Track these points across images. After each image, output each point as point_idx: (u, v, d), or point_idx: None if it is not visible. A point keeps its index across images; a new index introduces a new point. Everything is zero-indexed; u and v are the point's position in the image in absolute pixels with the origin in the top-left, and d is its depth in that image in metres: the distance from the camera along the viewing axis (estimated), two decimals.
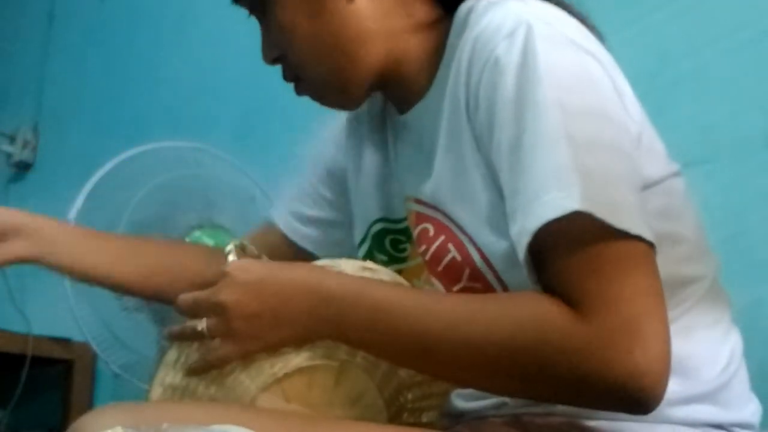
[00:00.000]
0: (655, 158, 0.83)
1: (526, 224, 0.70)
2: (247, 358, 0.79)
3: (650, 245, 0.70)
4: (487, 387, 0.78)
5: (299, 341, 0.79)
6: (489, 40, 0.78)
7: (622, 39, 1.45)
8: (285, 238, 1.09)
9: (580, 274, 0.69)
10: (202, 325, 0.78)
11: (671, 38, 1.42)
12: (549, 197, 0.69)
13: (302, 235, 1.09)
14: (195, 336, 0.78)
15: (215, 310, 0.78)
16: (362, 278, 0.81)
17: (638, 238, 0.69)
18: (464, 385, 0.81)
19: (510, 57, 0.75)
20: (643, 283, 0.69)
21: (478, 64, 0.79)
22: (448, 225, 0.86)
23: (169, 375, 0.80)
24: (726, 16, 1.36)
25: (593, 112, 0.74)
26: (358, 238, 1.00)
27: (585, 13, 0.87)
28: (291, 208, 1.11)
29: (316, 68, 0.88)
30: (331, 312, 0.77)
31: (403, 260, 0.93)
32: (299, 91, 0.92)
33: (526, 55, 0.75)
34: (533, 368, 0.70)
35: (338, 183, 1.06)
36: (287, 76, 0.91)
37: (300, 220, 1.09)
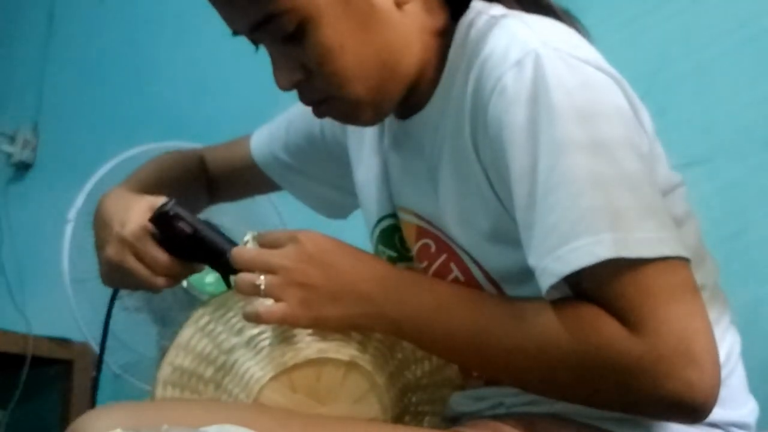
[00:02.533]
0: (660, 169, 0.83)
1: (554, 267, 0.71)
2: (293, 324, 0.78)
3: (686, 260, 0.72)
4: (542, 392, 0.78)
5: (346, 325, 0.79)
6: (495, 68, 0.76)
7: (622, 39, 1.46)
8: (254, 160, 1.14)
9: (627, 297, 0.70)
10: (260, 280, 0.77)
11: (671, 38, 1.42)
12: (579, 243, 0.69)
13: (281, 160, 1.11)
14: (250, 289, 0.78)
15: (276, 271, 0.77)
16: (426, 276, 0.83)
17: (676, 258, 0.70)
18: (520, 387, 0.81)
19: (519, 88, 0.73)
20: (689, 301, 0.70)
21: (483, 92, 0.77)
22: (449, 243, 0.86)
23: (180, 356, 0.80)
24: (726, 15, 1.36)
25: (611, 141, 0.73)
26: (368, 230, 1.00)
27: (580, 18, 0.86)
28: (277, 134, 1.12)
29: (358, 85, 0.81)
30: (391, 304, 0.78)
31: (411, 259, 0.93)
32: (323, 112, 0.86)
33: (537, 86, 0.73)
34: (583, 379, 0.71)
35: (323, 144, 1.08)
36: (310, 98, 0.85)
37: (286, 149, 1.11)
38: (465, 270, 0.85)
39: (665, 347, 0.67)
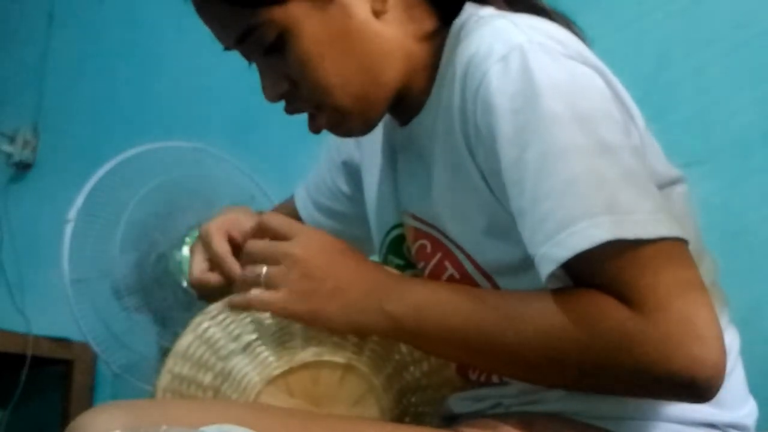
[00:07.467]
0: (654, 162, 0.83)
1: (553, 253, 0.70)
2: (289, 315, 0.78)
3: (684, 241, 0.72)
4: (550, 384, 0.78)
5: (343, 322, 0.79)
6: (480, 64, 0.76)
7: (622, 39, 1.46)
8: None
9: (628, 277, 0.70)
10: (262, 271, 0.78)
11: (671, 38, 1.42)
12: (577, 227, 0.70)
13: (322, 226, 1.08)
14: (252, 282, 0.79)
15: (283, 259, 0.78)
16: (425, 278, 0.83)
17: (673, 239, 0.71)
18: (526, 381, 0.80)
19: (506, 82, 0.74)
20: (688, 277, 0.70)
21: (470, 88, 0.77)
22: (444, 242, 0.86)
23: (178, 364, 0.80)
24: (725, 16, 1.37)
25: (601, 127, 0.73)
26: (376, 243, 1.00)
27: (580, 19, 0.86)
28: (312, 196, 1.12)
29: (341, 94, 0.82)
30: (390, 300, 0.78)
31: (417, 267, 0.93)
32: (315, 125, 0.86)
33: (523, 80, 0.73)
34: (590, 363, 0.71)
35: (354, 179, 1.07)
36: (296, 109, 0.86)
37: (320, 210, 1.10)
38: (458, 266, 0.85)
39: (669, 324, 0.67)
